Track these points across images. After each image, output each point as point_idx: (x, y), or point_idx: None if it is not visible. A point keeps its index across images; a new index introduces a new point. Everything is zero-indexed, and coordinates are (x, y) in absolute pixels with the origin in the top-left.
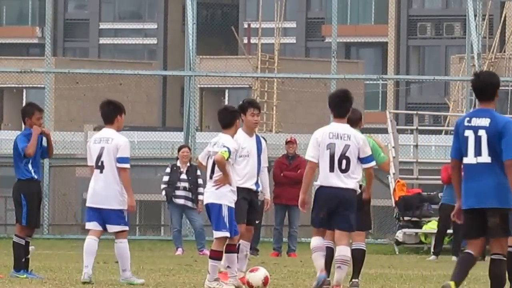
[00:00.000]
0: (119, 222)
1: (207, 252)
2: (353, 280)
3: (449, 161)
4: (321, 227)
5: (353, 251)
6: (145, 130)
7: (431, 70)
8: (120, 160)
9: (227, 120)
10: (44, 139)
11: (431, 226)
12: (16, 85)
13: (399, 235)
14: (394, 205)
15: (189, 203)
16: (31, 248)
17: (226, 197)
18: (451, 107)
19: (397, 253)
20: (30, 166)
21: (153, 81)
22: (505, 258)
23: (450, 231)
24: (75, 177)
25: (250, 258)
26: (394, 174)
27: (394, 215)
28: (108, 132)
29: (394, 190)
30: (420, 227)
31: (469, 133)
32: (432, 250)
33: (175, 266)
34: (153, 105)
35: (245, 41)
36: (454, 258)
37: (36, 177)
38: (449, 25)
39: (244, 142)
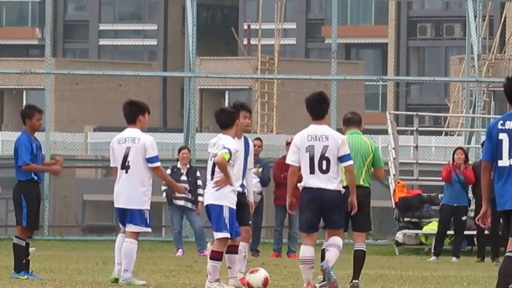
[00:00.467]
0: (140, 223)
1: (208, 253)
2: (354, 281)
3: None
4: (309, 230)
5: (354, 252)
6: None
7: (431, 71)
8: (151, 160)
9: (226, 121)
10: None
11: (432, 227)
12: (16, 87)
13: (399, 236)
14: (394, 206)
15: (189, 205)
16: (31, 249)
17: (227, 198)
18: (451, 108)
19: (397, 254)
20: None
21: (153, 82)
22: None
23: (451, 232)
24: (75, 178)
25: (251, 259)
26: (394, 175)
27: (394, 216)
28: (132, 132)
29: (394, 191)
30: (420, 228)
31: (503, 136)
32: (432, 250)
33: (175, 267)
34: (153, 106)
35: (245, 42)
36: (454, 259)
37: (36, 178)
38: (449, 26)
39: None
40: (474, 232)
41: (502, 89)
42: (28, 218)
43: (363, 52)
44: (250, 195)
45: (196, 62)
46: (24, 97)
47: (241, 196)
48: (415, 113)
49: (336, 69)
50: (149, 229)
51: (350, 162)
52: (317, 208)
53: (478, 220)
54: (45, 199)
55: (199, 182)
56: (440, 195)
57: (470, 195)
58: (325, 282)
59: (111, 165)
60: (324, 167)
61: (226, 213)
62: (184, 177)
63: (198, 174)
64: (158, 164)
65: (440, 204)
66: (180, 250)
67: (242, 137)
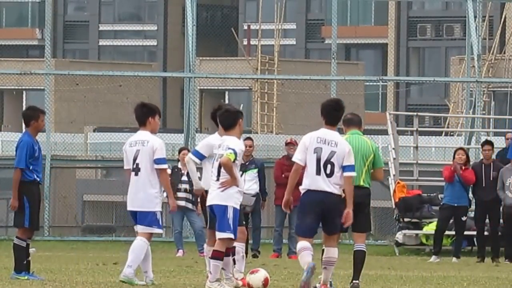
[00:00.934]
0: (152, 225)
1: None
2: (354, 281)
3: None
4: (305, 236)
5: (354, 253)
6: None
7: (431, 72)
8: (158, 161)
9: (230, 121)
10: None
11: (432, 227)
12: (16, 87)
13: (399, 236)
14: (394, 206)
15: (190, 205)
16: (31, 250)
17: (232, 199)
18: (451, 109)
19: (397, 254)
20: (32, 168)
21: (153, 83)
22: None
23: (451, 232)
24: (75, 179)
25: (251, 260)
26: (394, 175)
27: (394, 216)
28: (142, 134)
29: (394, 191)
30: (420, 228)
31: None
32: (431, 250)
33: (176, 267)
34: None
35: (245, 42)
36: (454, 259)
37: (38, 179)
38: (449, 27)
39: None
40: (474, 233)
41: (502, 89)
42: (30, 219)
43: (363, 53)
44: None
45: (196, 63)
46: (24, 98)
47: None
48: (415, 113)
49: (336, 69)
50: (160, 230)
51: (353, 174)
52: (318, 212)
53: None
54: (45, 199)
55: None
56: (440, 196)
57: (470, 195)
58: None
59: (124, 167)
60: (328, 171)
61: (230, 214)
62: (184, 178)
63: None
64: (164, 166)
65: (441, 203)
66: (180, 251)
67: None
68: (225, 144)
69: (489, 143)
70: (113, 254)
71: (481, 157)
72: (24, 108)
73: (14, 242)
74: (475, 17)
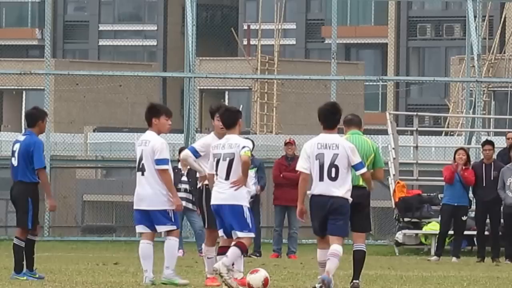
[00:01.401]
0: (166, 222)
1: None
2: (354, 281)
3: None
4: (319, 235)
5: (353, 253)
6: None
7: (431, 71)
8: (158, 162)
9: (232, 120)
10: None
11: (431, 227)
12: (16, 87)
13: (399, 236)
14: (394, 206)
15: (190, 205)
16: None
17: (245, 198)
18: (451, 108)
19: (397, 254)
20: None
21: (153, 83)
22: None
23: (451, 232)
24: (75, 179)
25: (252, 260)
26: (394, 175)
27: (394, 216)
28: (147, 134)
29: (394, 191)
30: (420, 228)
31: None
32: (434, 251)
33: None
34: None
35: (245, 42)
36: (454, 259)
37: (39, 181)
38: (449, 26)
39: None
40: (474, 232)
41: (502, 89)
42: (32, 220)
43: (363, 53)
44: None
45: (195, 63)
46: (23, 98)
47: None
48: (415, 113)
49: (336, 69)
50: (175, 227)
51: (364, 170)
52: (324, 214)
53: None
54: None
55: None
56: (440, 195)
57: (471, 195)
58: None
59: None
60: (333, 175)
61: (247, 213)
62: (184, 178)
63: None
64: (165, 167)
65: (441, 204)
66: (180, 251)
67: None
68: (232, 143)
69: (489, 143)
70: (113, 254)
71: (482, 157)
72: (24, 108)
73: (14, 242)
74: (475, 17)
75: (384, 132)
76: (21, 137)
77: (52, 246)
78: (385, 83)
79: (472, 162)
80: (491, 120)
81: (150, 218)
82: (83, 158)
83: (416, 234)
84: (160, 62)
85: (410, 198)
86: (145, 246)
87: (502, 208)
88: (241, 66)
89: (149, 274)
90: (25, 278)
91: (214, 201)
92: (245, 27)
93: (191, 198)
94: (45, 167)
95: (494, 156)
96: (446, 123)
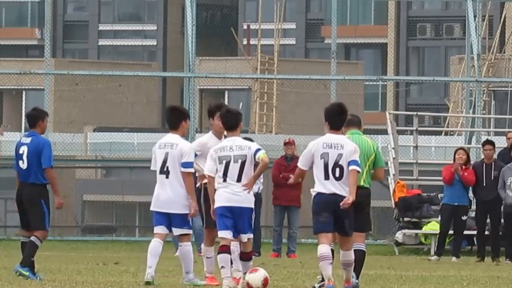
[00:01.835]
0: (183, 226)
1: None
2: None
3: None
4: (323, 231)
5: (353, 252)
6: (145, 131)
7: (431, 71)
8: (185, 165)
9: (233, 122)
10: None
11: (431, 227)
12: (16, 87)
13: (399, 236)
14: (393, 206)
15: None
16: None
17: (253, 201)
18: (450, 108)
19: (396, 254)
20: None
21: (153, 83)
22: None
23: (450, 231)
24: (75, 179)
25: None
26: (394, 175)
27: (394, 216)
28: (172, 137)
29: (394, 191)
30: (420, 228)
31: None
32: (434, 250)
33: (174, 267)
34: (153, 106)
35: (245, 42)
36: (454, 259)
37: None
38: (448, 26)
39: (214, 145)
40: (474, 232)
41: (502, 88)
42: (48, 221)
43: (362, 52)
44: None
45: (195, 62)
46: (23, 98)
47: None
48: (414, 113)
49: (335, 69)
50: (190, 231)
51: (356, 168)
52: (331, 211)
53: None
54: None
55: None
56: (440, 195)
57: (471, 194)
58: (323, 282)
59: (152, 168)
60: (337, 174)
61: (253, 216)
62: None
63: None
64: (191, 170)
65: (441, 204)
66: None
67: (223, 138)
68: (240, 145)
69: (490, 142)
70: (113, 254)
71: (482, 156)
72: (24, 108)
73: (31, 239)
74: (474, 16)
75: (384, 132)
76: (26, 139)
77: (52, 245)
78: (385, 82)
79: (472, 162)
80: (491, 120)
81: (170, 220)
82: (83, 158)
83: (416, 234)
84: (159, 62)
85: (410, 198)
86: (156, 244)
87: (502, 207)
88: (240, 66)
89: (151, 271)
90: (27, 273)
91: (227, 202)
92: (245, 27)
93: None
94: (52, 167)
95: (495, 156)
96: (446, 123)
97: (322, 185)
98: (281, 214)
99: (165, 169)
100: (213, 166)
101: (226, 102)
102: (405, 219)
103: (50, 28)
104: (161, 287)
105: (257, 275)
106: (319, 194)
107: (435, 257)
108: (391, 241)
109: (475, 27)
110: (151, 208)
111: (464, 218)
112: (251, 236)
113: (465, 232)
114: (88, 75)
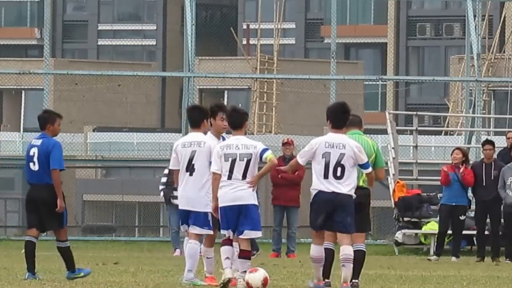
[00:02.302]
0: (203, 225)
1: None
2: (353, 280)
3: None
4: (320, 229)
5: (353, 252)
6: (144, 131)
7: (431, 71)
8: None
9: (239, 121)
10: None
11: (431, 226)
12: (15, 87)
13: (399, 236)
14: (393, 206)
15: None
16: (22, 252)
17: (256, 198)
18: (450, 108)
19: (396, 254)
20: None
21: (152, 82)
22: None
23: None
24: (75, 178)
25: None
26: (393, 175)
27: (394, 216)
28: (198, 136)
29: (394, 191)
30: (420, 228)
31: None
32: (433, 250)
33: (173, 267)
34: (152, 106)
35: (244, 42)
36: (454, 259)
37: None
38: (448, 26)
39: (212, 146)
40: (474, 232)
41: (502, 88)
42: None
43: (362, 52)
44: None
45: (195, 62)
46: (23, 98)
47: None
48: (414, 112)
49: (335, 69)
50: (211, 231)
51: (370, 169)
52: (330, 209)
53: None
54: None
55: None
56: (439, 195)
57: (470, 194)
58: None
59: (172, 167)
60: (338, 174)
61: (259, 212)
62: None
63: None
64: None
65: (439, 203)
66: (178, 250)
67: (221, 138)
68: (246, 144)
69: (490, 142)
70: (113, 254)
71: (482, 156)
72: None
73: (58, 246)
74: (474, 16)
75: (384, 131)
76: (37, 141)
77: (52, 245)
78: (385, 82)
79: (472, 162)
80: (491, 119)
81: (191, 217)
82: (83, 158)
83: (416, 234)
84: (159, 62)
85: (409, 198)
86: (193, 246)
87: (502, 207)
88: (240, 65)
89: (190, 276)
90: (81, 274)
91: (231, 201)
92: (245, 27)
93: None
94: (60, 170)
95: (495, 156)
96: (446, 122)
97: (320, 184)
98: (281, 214)
99: (190, 167)
100: (219, 163)
101: (225, 102)
102: (405, 219)
103: (49, 28)
104: (160, 287)
105: (257, 275)
106: (318, 192)
107: (435, 257)
108: (391, 241)
109: (475, 27)
110: (180, 207)
111: (462, 218)
112: (259, 234)
113: (465, 232)
114: (87, 75)
